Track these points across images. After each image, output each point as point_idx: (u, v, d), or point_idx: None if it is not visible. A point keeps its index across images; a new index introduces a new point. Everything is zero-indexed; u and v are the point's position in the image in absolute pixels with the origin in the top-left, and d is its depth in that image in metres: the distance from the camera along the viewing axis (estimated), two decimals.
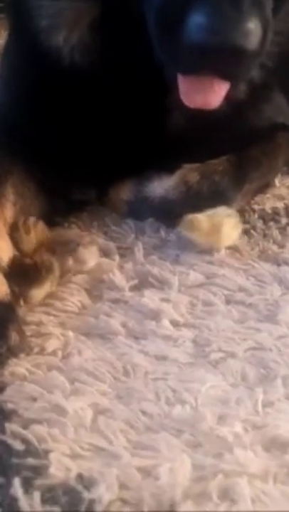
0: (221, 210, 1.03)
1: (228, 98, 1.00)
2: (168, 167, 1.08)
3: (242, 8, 0.80)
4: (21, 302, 0.91)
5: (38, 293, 0.92)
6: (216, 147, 1.10)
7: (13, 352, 0.80)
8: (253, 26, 0.80)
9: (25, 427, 0.70)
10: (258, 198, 1.18)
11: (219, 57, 0.82)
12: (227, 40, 0.79)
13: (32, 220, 0.99)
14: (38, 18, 1.04)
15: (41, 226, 1.01)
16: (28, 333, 0.85)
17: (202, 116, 0.98)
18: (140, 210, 1.09)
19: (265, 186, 1.18)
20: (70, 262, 0.96)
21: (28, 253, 0.94)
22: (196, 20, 0.80)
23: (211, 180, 1.05)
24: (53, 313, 0.90)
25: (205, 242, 1.01)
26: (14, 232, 0.96)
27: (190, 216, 1.01)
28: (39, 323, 0.88)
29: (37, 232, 0.98)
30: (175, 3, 0.83)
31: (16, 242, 0.96)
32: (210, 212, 1.02)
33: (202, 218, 1.01)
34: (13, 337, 0.80)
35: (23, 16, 1.05)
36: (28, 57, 1.09)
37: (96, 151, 1.10)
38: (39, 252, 0.96)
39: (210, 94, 0.90)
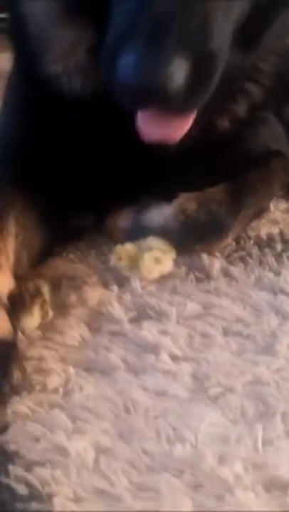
0: (152, 241, 1.05)
1: (230, 117, 1.02)
2: (165, 194, 1.09)
3: (164, 50, 0.80)
4: (21, 334, 0.92)
5: (29, 321, 0.93)
6: (213, 173, 1.12)
7: (15, 390, 0.81)
8: (175, 67, 0.80)
9: (28, 469, 0.71)
10: (253, 224, 1.20)
11: (148, 96, 0.83)
12: (148, 81, 0.81)
13: None
14: (35, 47, 1.05)
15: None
16: (29, 369, 0.86)
17: (201, 142, 1.00)
18: (138, 239, 1.10)
19: (261, 212, 1.20)
20: (74, 298, 0.97)
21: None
22: (122, 61, 0.81)
23: (208, 210, 1.06)
24: (53, 348, 0.91)
25: (130, 273, 1.03)
26: None
27: (119, 246, 1.04)
28: (40, 358, 0.88)
29: None
30: (117, 43, 0.84)
31: None
32: (139, 242, 1.04)
33: (128, 249, 1.03)
34: (16, 375, 0.81)
35: (22, 44, 1.06)
36: (28, 85, 1.11)
37: (94, 177, 1.11)
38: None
39: (167, 128, 0.91)
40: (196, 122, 0.96)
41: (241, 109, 1.11)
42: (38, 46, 1.05)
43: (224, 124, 1.09)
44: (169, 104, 0.85)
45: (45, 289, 0.95)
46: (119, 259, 1.04)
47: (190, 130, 0.96)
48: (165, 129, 0.91)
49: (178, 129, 0.92)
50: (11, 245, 0.99)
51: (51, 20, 1.01)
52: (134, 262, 1.03)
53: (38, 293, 0.95)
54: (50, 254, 1.11)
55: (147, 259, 1.03)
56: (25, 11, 1.05)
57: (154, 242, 1.05)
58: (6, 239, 0.99)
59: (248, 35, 0.95)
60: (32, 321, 0.94)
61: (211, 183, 1.11)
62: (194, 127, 0.96)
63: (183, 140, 0.98)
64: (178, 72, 0.80)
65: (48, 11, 1.01)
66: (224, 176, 1.13)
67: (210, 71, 0.86)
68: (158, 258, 1.04)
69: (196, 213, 1.06)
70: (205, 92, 0.87)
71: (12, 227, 1.02)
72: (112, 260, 1.05)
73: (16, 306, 0.94)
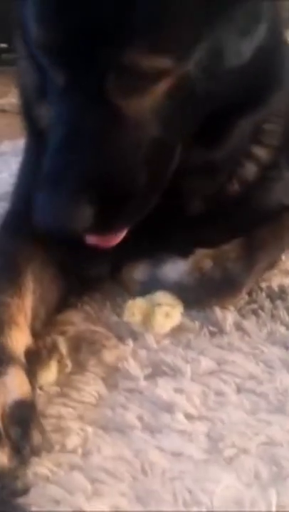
0: (160, 296, 1.08)
1: (239, 181, 1.05)
2: (180, 249, 1.12)
3: (66, 195, 0.86)
4: (39, 390, 0.94)
5: (47, 376, 0.95)
6: (227, 229, 1.15)
7: (35, 451, 0.83)
8: (77, 211, 0.86)
9: None
10: (264, 275, 1.22)
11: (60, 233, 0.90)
12: (53, 224, 0.88)
13: None
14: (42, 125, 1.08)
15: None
16: (48, 428, 0.88)
17: (216, 201, 1.03)
18: (152, 292, 1.13)
19: (273, 263, 1.22)
20: (92, 362, 1.00)
21: None
22: (36, 200, 0.88)
23: (223, 267, 1.10)
24: (70, 405, 0.93)
25: (142, 328, 1.07)
26: None
27: (130, 302, 1.07)
28: (58, 417, 0.91)
29: None
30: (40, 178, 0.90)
31: None
32: (148, 296, 1.08)
33: (139, 305, 1.07)
34: (36, 437, 0.83)
35: (31, 121, 1.10)
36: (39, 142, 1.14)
37: None
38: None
39: (98, 240, 0.97)
40: (204, 189, 0.99)
41: (250, 172, 1.13)
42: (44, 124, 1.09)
43: (234, 187, 1.12)
44: (84, 237, 0.92)
45: (62, 344, 0.98)
46: (132, 314, 1.06)
47: (200, 196, 1.00)
48: (97, 241, 0.96)
49: (110, 240, 0.97)
50: (28, 302, 1.02)
51: (33, 96, 1.04)
52: (147, 318, 1.06)
53: (55, 347, 0.97)
54: (66, 305, 1.14)
55: (158, 314, 1.06)
56: (21, 82, 1.09)
57: (162, 297, 1.09)
58: (24, 295, 1.01)
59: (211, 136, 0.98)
60: (50, 375, 0.97)
61: (225, 238, 1.14)
62: (203, 194, 1.00)
63: (195, 204, 1.02)
64: (81, 215, 0.86)
65: (31, 86, 1.04)
66: (238, 232, 1.16)
67: (122, 205, 0.90)
68: (168, 313, 1.07)
69: (212, 271, 1.09)
70: (124, 219, 0.93)
71: (30, 283, 1.04)
72: (126, 316, 1.07)
73: (33, 360, 0.97)
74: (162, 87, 0.86)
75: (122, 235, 0.97)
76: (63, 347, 0.99)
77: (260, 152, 1.15)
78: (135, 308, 1.07)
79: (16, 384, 0.87)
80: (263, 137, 1.12)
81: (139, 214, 0.93)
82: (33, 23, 0.87)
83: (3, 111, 2.51)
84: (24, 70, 1.05)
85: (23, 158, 1.21)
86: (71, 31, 0.82)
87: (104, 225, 0.90)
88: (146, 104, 0.86)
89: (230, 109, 0.94)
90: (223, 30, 0.86)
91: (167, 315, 1.07)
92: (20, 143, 1.27)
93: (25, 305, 1.00)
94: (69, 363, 0.99)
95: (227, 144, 0.99)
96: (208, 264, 1.10)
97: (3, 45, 3.61)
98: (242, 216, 1.16)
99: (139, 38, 0.81)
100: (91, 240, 0.96)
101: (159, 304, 1.07)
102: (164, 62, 0.83)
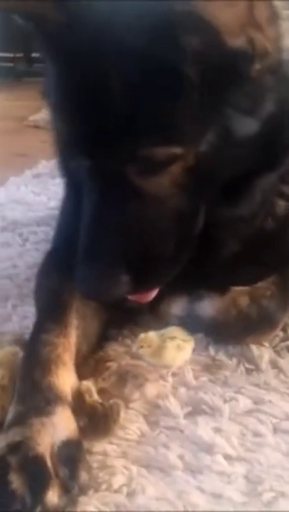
0: (173, 330, 1.13)
1: (274, 219, 1.09)
2: (217, 286, 1.16)
3: (104, 267, 0.94)
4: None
5: (101, 439, 0.98)
6: (262, 266, 1.19)
7: (83, 490, 0.87)
8: (115, 283, 0.93)
9: None
10: None
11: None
12: (93, 295, 0.98)
13: None
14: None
15: None
16: (94, 465, 0.93)
17: (251, 240, 1.07)
18: (190, 326, 1.17)
19: None
20: (136, 395, 1.04)
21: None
22: (77, 272, 0.95)
23: (259, 305, 1.14)
24: (115, 442, 0.98)
25: (153, 361, 1.11)
26: None
27: (142, 334, 1.11)
28: (103, 454, 0.95)
29: None
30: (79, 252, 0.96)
31: None
32: (162, 331, 1.12)
33: (151, 337, 1.11)
34: (83, 476, 0.88)
35: (67, 170, 1.14)
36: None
37: None
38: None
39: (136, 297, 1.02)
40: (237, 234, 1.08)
41: (281, 208, 1.16)
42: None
43: (270, 225, 1.15)
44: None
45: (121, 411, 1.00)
46: (141, 346, 1.11)
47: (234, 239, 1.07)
48: (134, 298, 1.02)
49: (147, 296, 1.03)
50: (73, 339, 1.06)
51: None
52: (157, 351, 1.11)
53: (117, 419, 0.99)
54: (105, 338, 1.19)
55: (170, 347, 1.10)
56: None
57: (175, 331, 1.13)
58: (69, 334, 1.05)
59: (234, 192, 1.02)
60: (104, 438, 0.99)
61: (260, 276, 1.18)
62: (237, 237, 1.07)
63: (230, 246, 1.07)
64: (118, 284, 0.93)
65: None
66: (272, 269, 1.20)
67: (154, 270, 0.97)
68: (180, 346, 1.11)
69: (249, 309, 1.14)
70: (156, 280, 1.01)
71: (74, 320, 1.09)
72: (135, 347, 1.12)
73: (97, 423, 0.99)
74: (177, 167, 0.92)
75: (156, 291, 1.03)
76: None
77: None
78: (146, 340, 1.11)
79: (63, 424, 0.91)
80: None
81: (170, 273, 1.00)
82: (52, 108, 0.96)
83: (37, 127, 2.51)
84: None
85: (63, 202, 1.26)
86: (87, 128, 0.91)
87: (139, 288, 0.97)
88: (164, 182, 0.93)
89: (248, 173, 0.98)
90: (228, 113, 0.91)
91: (179, 348, 1.11)
92: None
93: (71, 343, 1.05)
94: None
95: (250, 201, 1.03)
96: (244, 301, 1.14)
97: (36, 55, 3.60)
98: (275, 253, 1.20)
99: (150, 133, 0.88)
100: (130, 297, 1.01)
101: (172, 338, 1.11)
102: (174, 149, 0.90)
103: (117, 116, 0.88)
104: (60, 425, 0.92)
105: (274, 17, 0.93)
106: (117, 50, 0.87)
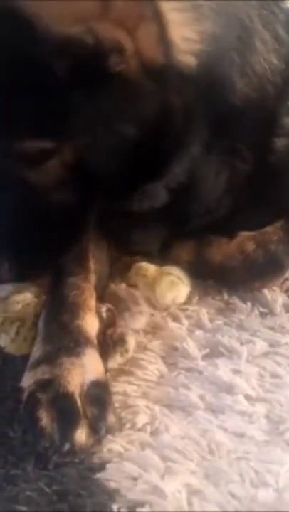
0: (171, 268, 1.13)
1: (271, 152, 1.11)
2: (226, 231, 1.16)
3: None
4: None
5: (109, 364, 0.98)
6: (269, 210, 1.18)
7: (110, 431, 0.87)
8: None
9: (130, 508, 0.78)
10: None
11: None
12: None
13: None
14: None
15: None
16: (116, 405, 0.93)
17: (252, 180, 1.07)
18: (200, 272, 1.17)
19: None
20: (152, 341, 1.05)
21: None
22: None
23: (266, 250, 1.13)
24: (134, 383, 0.98)
25: (144, 291, 1.10)
26: None
27: (138, 264, 1.12)
28: (124, 394, 0.95)
29: None
30: None
31: None
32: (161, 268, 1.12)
33: (147, 267, 1.12)
34: (110, 418, 0.88)
35: None
36: None
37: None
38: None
39: None
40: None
41: (281, 143, 1.14)
42: None
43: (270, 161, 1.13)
44: None
45: (130, 340, 1.00)
46: (136, 274, 1.11)
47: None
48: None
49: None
50: (93, 284, 1.05)
51: None
52: (150, 282, 1.11)
53: (120, 341, 1.00)
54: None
55: (164, 281, 1.10)
56: None
57: (173, 269, 1.12)
58: (90, 280, 1.04)
59: None
60: (111, 363, 0.99)
61: (268, 219, 1.17)
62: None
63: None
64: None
65: None
66: (279, 214, 1.19)
67: (36, 259, 0.99)
68: (174, 282, 1.11)
69: (255, 253, 1.13)
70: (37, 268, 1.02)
71: (92, 265, 1.07)
72: (131, 274, 1.12)
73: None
74: (54, 162, 0.91)
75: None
76: (131, 343, 1.01)
77: None
78: (143, 268, 1.11)
79: (93, 365, 0.91)
80: None
81: (54, 262, 1.02)
82: None
83: None
84: None
85: None
86: None
87: (19, 276, 0.98)
88: (45, 177, 0.92)
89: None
90: (101, 111, 0.89)
91: (172, 284, 1.11)
92: None
93: (92, 288, 1.03)
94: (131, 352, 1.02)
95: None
96: (251, 246, 1.14)
97: None
98: (280, 191, 1.18)
99: (20, 127, 0.87)
100: None
101: (168, 273, 1.11)
102: (44, 144, 0.89)
103: None
104: (90, 366, 0.92)
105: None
106: None
